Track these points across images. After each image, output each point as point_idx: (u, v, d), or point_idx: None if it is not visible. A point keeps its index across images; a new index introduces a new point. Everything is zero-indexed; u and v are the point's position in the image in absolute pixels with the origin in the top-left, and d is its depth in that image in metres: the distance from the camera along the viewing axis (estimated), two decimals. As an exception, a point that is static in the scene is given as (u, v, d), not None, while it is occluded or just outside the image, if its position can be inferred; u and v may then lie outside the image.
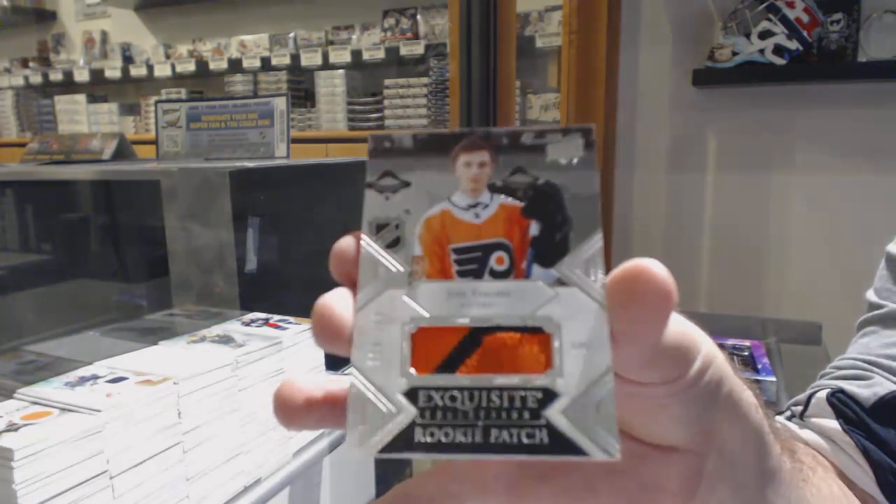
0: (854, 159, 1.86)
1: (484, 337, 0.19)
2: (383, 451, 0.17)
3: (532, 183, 0.21)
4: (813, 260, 1.94)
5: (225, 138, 1.27)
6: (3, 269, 1.37)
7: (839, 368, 0.48)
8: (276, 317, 0.80)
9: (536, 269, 0.20)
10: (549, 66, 2.54)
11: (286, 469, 0.74)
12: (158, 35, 3.45)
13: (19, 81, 3.66)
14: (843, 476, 0.42)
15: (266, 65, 2.97)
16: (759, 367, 1.00)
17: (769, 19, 1.80)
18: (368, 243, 0.20)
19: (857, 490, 0.41)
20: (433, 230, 0.21)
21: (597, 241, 0.20)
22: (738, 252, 2.03)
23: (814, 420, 0.45)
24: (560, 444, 0.17)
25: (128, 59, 3.42)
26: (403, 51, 2.65)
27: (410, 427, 0.18)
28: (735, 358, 1.05)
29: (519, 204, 0.21)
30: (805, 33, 1.78)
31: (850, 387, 0.45)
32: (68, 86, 3.52)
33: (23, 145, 1.63)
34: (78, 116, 3.45)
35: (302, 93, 2.92)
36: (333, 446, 0.80)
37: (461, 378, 0.18)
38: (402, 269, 0.20)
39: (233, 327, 0.76)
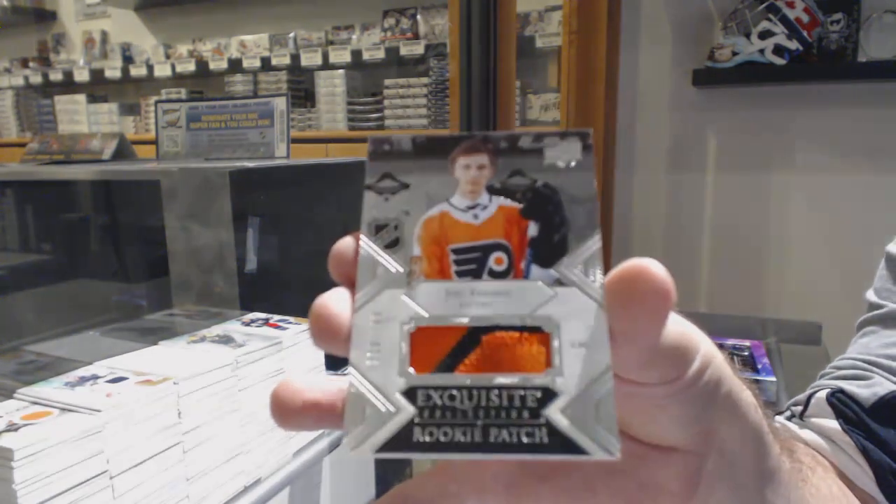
0: (854, 159, 1.86)
1: (483, 336, 0.19)
2: (382, 450, 0.17)
3: (530, 185, 0.21)
4: (813, 260, 1.94)
5: (225, 138, 1.27)
6: (3, 269, 1.37)
7: (839, 368, 0.48)
8: (276, 317, 0.80)
9: (535, 270, 0.20)
10: (549, 66, 2.55)
11: (286, 469, 0.74)
12: (158, 35, 3.45)
13: (19, 81, 3.66)
14: (842, 476, 0.42)
15: (266, 65, 2.97)
16: (759, 367, 1.00)
17: (769, 19, 1.80)
18: (367, 244, 0.20)
19: (856, 490, 0.41)
20: (432, 231, 0.21)
21: (595, 242, 0.20)
22: (738, 252, 2.03)
23: (813, 420, 0.45)
24: (560, 443, 0.17)
25: (128, 59, 3.42)
26: (403, 51, 2.65)
27: (409, 426, 0.18)
28: (735, 358, 1.05)
29: (517, 205, 0.21)
30: (805, 33, 1.78)
31: (850, 387, 0.45)
32: (68, 86, 3.52)
33: (23, 145, 1.63)
34: (78, 116, 3.45)
35: (302, 93, 2.92)
36: (333, 446, 0.80)
37: (460, 377, 0.18)
38: (400, 269, 0.20)
39: (233, 327, 0.76)
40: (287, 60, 2.90)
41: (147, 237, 1.25)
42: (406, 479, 0.23)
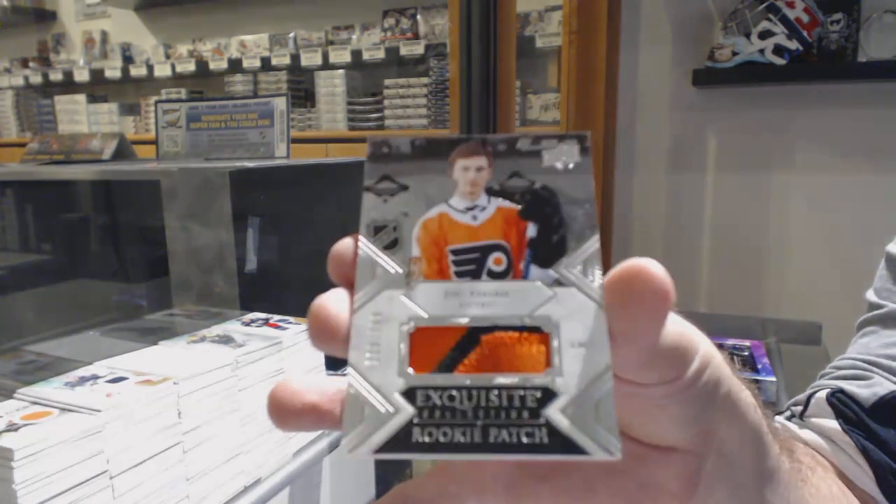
0: (854, 159, 1.86)
1: (482, 336, 0.19)
2: (381, 450, 0.17)
3: (529, 186, 0.21)
4: (813, 260, 1.94)
5: (225, 138, 1.27)
6: (3, 269, 1.37)
7: (839, 368, 0.48)
8: (276, 317, 0.80)
9: (534, 270, 0.20)
10: (549, 66, 2.55)
11: (286, 469, 0.74)
12: (158, 35, 3.45)
13: (19, 81, 3.66)
14: (842, 476, 0.42)
15: (266, 65, 2.97)
16: (759, 367, 1.00)
17: (769, 19, 1.80)
18: (366, 245, 0.20)
19: (856, 490, 0.41)
20: (431, 232, 0.21)
21: (594, 243, 0.20)
22: (738, 252, 2.03)
23: (813, 420, 0.45)
24: (560, 443, 0.17)
25: (128, 59, 3.42)
26: (403, 51, 2.65)
27: (408, 427, 0.18)
28: (735, 358, 1.05)
29: (516, 207, 0.21)
30: (805, 33, 1.78)
31: (850, 387, 0.45)
32: (68, 86, 3.52)
33: (23, 145, 1.63)
34: (78, 116, 3.45)
35: (302, 93, 2.92)
36: (333, 446, 0.80)
37: (460, 377, 0.18)
38: (399, 270, 0.20)
39: (233, 327, 0.76)
40: (287, 60, 2.90)
41: (147, 237, 1.25)
42: (406, 479, 0.23)
